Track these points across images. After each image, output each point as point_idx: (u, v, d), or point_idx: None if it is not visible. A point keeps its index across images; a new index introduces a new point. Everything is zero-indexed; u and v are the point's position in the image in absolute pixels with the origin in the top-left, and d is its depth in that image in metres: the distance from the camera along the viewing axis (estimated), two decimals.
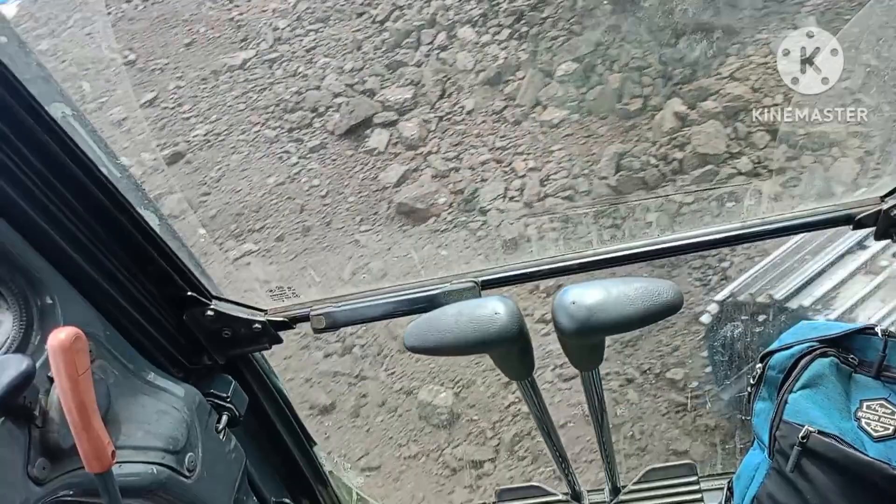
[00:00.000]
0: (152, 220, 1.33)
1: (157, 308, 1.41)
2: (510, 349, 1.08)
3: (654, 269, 3.97)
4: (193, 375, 1.54)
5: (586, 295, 0.99)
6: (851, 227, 1.44)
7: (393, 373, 4.24)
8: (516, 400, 3.89)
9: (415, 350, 1.11)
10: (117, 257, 1.31)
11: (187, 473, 1.40)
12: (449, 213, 4.92)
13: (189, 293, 1.44)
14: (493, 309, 1.03)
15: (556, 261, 1.49)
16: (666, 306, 1.00)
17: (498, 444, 3.81)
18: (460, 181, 5.04)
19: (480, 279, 1.47)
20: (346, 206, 5.31)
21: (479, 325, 1.03)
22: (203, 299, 1.47)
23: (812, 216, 1.43)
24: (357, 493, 2.06)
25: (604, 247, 1.41)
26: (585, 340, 1.07)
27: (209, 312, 1.48)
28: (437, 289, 1.46)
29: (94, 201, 1.22)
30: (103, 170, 1.19)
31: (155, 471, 1.30)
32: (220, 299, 1.51)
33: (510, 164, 5.00)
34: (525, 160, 4.95)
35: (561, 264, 1.47)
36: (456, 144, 5.28)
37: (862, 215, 1.43)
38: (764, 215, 1.43)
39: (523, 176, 4.87)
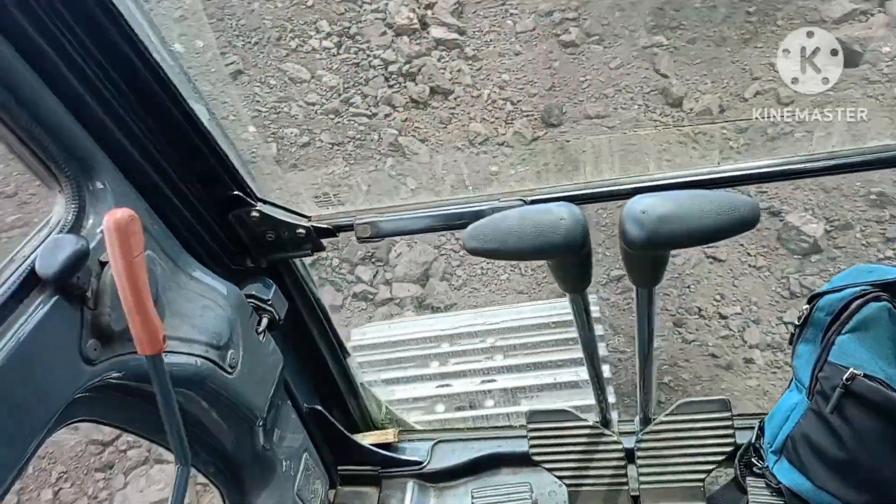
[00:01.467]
0: (203, 115, 1.31)
1: (202, 205, 1.41)
2: (571, 258, 1.06)
3: None
4: (235, 276, 1.54)
5: (658, 204, 0.95)
6: None
7: None
8: None
9: (475, 252, 1.09)
10: (165, 150, 1.29)
11: (229, 369, 1.42)
12: (889, 67, 4.28)
13: (235, 192, 1.44)
14: (559, 215, 1.00)
15: (607, 184, 1.45)
16: (741, 221, 0.96)
17: None
18: None
19: (529, 198, 1.44)
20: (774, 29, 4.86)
21: (542, 230, 1.00)
22: (249, 200, 1.46)
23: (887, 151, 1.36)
24: (386, 407, 2.10)
25: (677, 170, 1.36)
26: (652, 252, 1.04)
27: (254, 214, 1.48)
28: (485, 204, 1.44)
29: (145, 89, 1.20)
30: (155, 56, 1.17)
31: (199, 363, 1.32)
32: (265, 202, 1.50)
33: None
34: None
35: (613, 188, 1.43)
36: None
37: None
38: None
39: None
